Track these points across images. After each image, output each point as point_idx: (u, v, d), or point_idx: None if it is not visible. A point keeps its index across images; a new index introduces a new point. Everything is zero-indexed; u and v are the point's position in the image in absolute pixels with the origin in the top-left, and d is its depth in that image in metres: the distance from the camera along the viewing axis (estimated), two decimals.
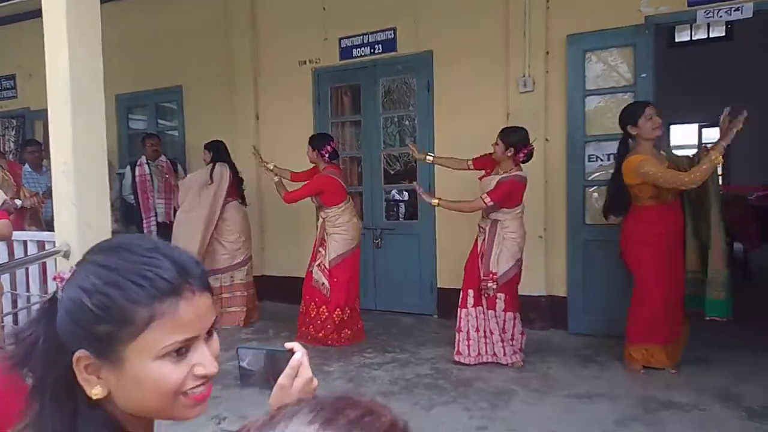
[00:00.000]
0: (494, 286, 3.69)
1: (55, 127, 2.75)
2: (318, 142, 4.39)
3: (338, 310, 4.28)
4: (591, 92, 4.38)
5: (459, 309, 3.83)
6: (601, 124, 4.42)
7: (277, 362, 0.88)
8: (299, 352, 0.87)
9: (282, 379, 0.85)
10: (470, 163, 4.04)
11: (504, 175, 3.70)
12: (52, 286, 2.46)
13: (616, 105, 4.44)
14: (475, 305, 3.78)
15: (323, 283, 4.32)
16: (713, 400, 3.12)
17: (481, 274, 3.73)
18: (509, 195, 3.68)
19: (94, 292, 0.69)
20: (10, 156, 6.59)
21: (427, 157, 4.23)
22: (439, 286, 4.94)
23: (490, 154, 3.85)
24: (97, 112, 2.80)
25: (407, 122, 5.48)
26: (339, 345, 4.25)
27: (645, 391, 3.28)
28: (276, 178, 4.47)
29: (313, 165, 4.49)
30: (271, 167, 4.61)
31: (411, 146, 4.30)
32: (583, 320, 4.36)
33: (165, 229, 5.43)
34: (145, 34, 6.01)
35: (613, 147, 4.30)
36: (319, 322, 4.30)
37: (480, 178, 3.92)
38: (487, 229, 3.78)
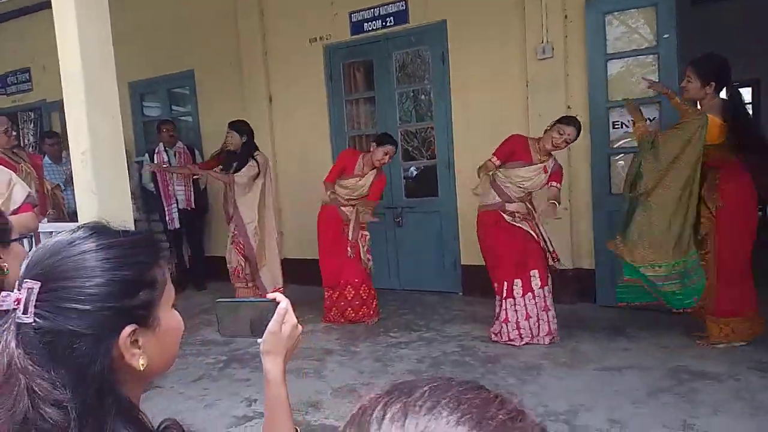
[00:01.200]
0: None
1: (72, 118, 2.74)
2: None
3: (364, 285, 4.35)
4: (612, 56, 4.24)
5: (503, 300, 3.68)
6: (624, 88, 4.27)
7: (260, 312, 0.94)
8: (284, 300, 0.95)
9: (272, 326, 0.93)
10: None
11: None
12: None
13: (639, 68, 4.31)
14: (524, 294, 3.66)
15: (369, 259, 4.36)
16: (749, 371, 3.04)
17: (549, 256, 3.69)
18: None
19: (123, 267, 0.72)
20: (30, 149, 6.64)
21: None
22: (462, 263, 4.89)
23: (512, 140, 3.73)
24: (111, 100, 2.79)
25: (423, 96, 5.35)
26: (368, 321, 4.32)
27: (676, 362, 3.22)
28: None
29: None
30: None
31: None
32: (611, 292, 4.26)
33: (186, 216, 5.46)
34: (154, 20, 5.96)
35: None
36: (357, 303, 4.32)
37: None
38: (529, 209, 3.73)
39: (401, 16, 4.89)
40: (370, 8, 5.00)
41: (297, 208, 5.49)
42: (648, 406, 2.75)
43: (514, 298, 3.66)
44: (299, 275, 5.23)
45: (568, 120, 3.59)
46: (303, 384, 3.21)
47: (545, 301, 3.67)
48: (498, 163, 3.65)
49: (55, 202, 4.39)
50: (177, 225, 5.43)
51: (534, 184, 3.69)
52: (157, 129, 5.52)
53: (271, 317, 0.94)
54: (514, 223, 3.68)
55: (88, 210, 2.70)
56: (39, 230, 3.20)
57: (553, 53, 4.28)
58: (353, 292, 4.31)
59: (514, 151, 3.66)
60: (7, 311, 0.68)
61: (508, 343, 3.65)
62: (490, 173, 3.70)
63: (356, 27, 5.10)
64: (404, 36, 4.97)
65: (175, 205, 5.42)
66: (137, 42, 5.70)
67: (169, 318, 0.79)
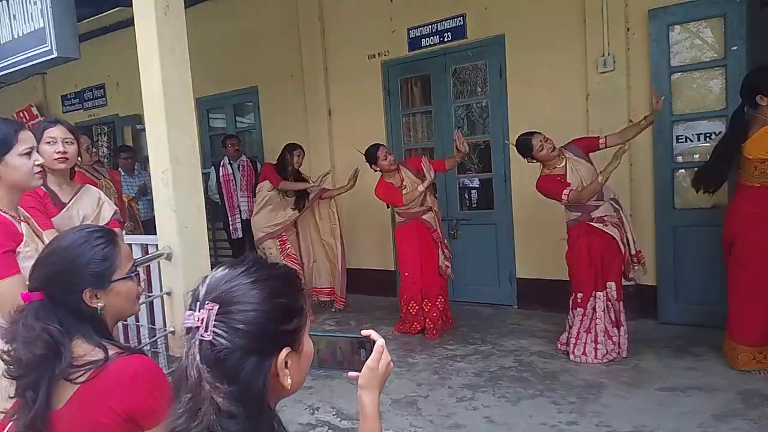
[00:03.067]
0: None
1: (152, 138, 2.93)
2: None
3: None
4: (677, 68, 4.14)
5: (580, 315, 3.64)
6: (689, 101, 4.17)
7: (351, 346, 1.01)
8: (381, 338, 1.02)
9: (371, 362, 1.01)
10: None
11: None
12: (156, 287, 2.63)
13: (705, 81, 4.20)
14: (605, 309, 3.60)
15: (448, 266, 4.45)
16: None
17: (630, 259, 3.63)
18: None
19: (281, 296, 0.84)
20: (106, 160, 7.06)
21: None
22: (518, 276, 4.88)
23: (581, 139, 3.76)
24: (189, 121, 2.96)
25: (479, 109, 5.37)
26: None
27: (746, 385, 3.11)
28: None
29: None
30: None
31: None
32: (674, 309, 4.17)
33: (248, 225, 5.69)
34: (220, 38, 6.25)
35: (705, 126, 4.10)
36: (435, 313, 4.38)
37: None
38: (619, 211, 3.65)
39: (459, 32, 4.94)
40: (428, 24, 5.09)
41: (356, 219, 5.62)
42: (716, 431, 2.68)
43: (596, 311, 3.61)
44: (359, 284, 5.35)
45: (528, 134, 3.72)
46: None
47: (619, 316, 3.62)
48: (566, 200, 3.59)
49: (131, 214, 4.67)
50: (240, 234, 5.66)
51: (584, 174, 3.61)
52: (223, 143, 5.78)
53: (363, 352, 1.01)
54: (606, 230, 3.59)
55: (167, 225, 2.88)
56: None
57: (614, 66, 4.23)
58: (429, 304, 4.37)
59: (551, 190, 3.66)
60: (190, 329, 0.80)
61: (580, 357, 3.61)
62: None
63: (414, 43, 5.19)
64: (462, 50, 5.02)
65: (239, 215, 5.66)
66: (205, 61, 5.98)
67: (307, 344, 0.89)
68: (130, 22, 2.90)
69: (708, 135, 4.07)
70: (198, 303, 0.81)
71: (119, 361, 1.18)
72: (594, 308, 3.60)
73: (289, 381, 0.83)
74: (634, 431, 2.73)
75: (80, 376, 1.13)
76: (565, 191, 3.53)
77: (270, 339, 0.81)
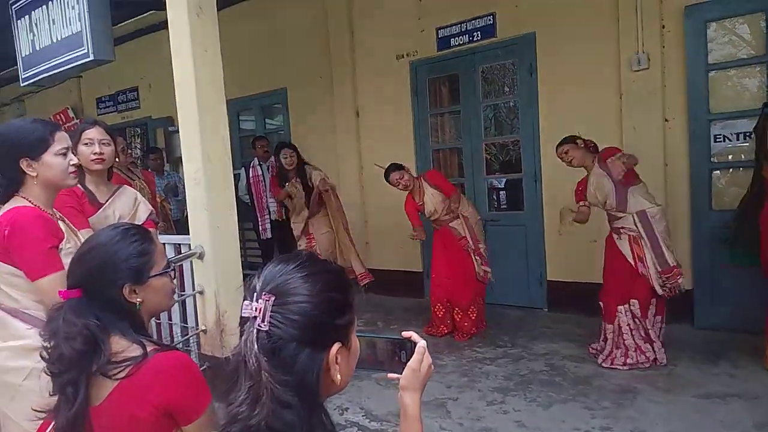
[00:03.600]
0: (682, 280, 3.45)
1: (185, 137, 2.98)
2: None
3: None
4: (714, 66, 4.03)
5: (611, 331, 3.58)
6: (727, 100, 4.05)
7: (392, 347, 1.02)
8: (422, 340, 1.03)
9: (413, 363, 1.01)
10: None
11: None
12: (188, 286, 2.66)
13: (744, 77, 4.08)
14: (632, 326, 3.52)
15: (486, 271, 4.38)
16: None
17: (660, 274, 3.41)
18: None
19: (334, 290, 0.86)
20: (139, 161, 7.21)
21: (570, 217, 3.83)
22: (548, 278, 4.80)
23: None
24: (220, 123, 3.01)
25: (508, 109, 5.32)
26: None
27: None
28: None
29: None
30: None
31: (568, 214, 3.77)
32: (711, 314, 4.05)
33: (277, 226, 5.75)
34: (250, 40, 6.32)
35: (743, 125, 3.98)
36: (467, 323, 4.33)
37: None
38: (639, 225, 3.46)
39: (489, 30, 4.90)
40: (457, 23, 5.05)
41: (382, 219, 5.61)
42: None
43: (621, 324, 3.53)
44: (384, 285, 5.34)
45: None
46: (391, 395, 3.28)
47: (647, 333, 3.52)
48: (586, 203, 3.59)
49: (164, 215, 4.75)
50: (269, 235, 5.72)
51: (601, 191, 3.55)
52: (252, 145, 5.84)
53: (404, 354, 1.01)
54: (617, 243, 3.55)
55: (200, 225, 2.92)
56: None
57: (648, 64, 4.13)
58: (461, 313, 4.33)
59: (575, 192, 3.75)
60: (247, 319, 0.81)
61: (611, 367, 3.53)
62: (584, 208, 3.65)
63: (443, 42, 5.16)
64: (491, 49, 4.98)
65: (268, 216, 5.71)
66: (234, 63, 6.02)
67: (355, 341, 0.91)
68: (162, 26, 2.97)
69: (747, 134, 3.94)
70: (255, 294, 0.82)
71: (157, 357, 1.19)
72: (619, 324, 3.53)
73: (339, 377, 0.84)
74: None
75: (120, 372, 1.15)
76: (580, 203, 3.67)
77: (323, 332, 0.83)
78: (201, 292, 2.97)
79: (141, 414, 1.15)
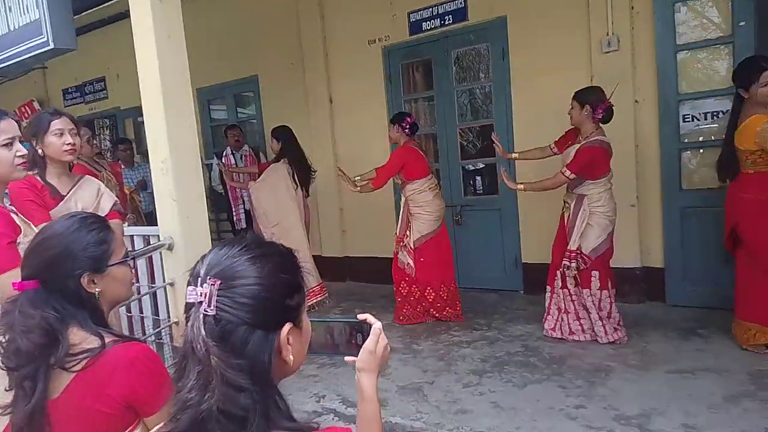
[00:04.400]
0: (575, 266, 3.57)
1: (151, 129, 2.90)
2: (398, 117, 4.42)
3: (429, 288, 4.32)
4: (682, 47, 4.07)
5: (547, 287, 3.79)
6: (696, 80, 4.10)
7: (348, 330, 1.02)
8: (377, 322, 1.03)
9: (369, 345, 1.01)
10: (553, 146, 3.91)
11: (583, 143, 3.55)
12: (158, 278, 2.61)
13: (712, 59, 4.12)
14: (562, 287, 3.68)
15: (408, 263, 4.34)
16: None
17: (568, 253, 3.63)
18: (590, 164, 3.50)
19: (283, 271, 0.84)
20: (109, 154, 7.06)
21: (513, 155, 4.24)
22: (524, 261, 4.84)
23: (571, 129, 3.71)
24: (187, 110, 2.92)
25: (482, 93, 5.31)
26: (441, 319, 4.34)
27: (756, 366, 3.08)
28: (357, 189, 4.45)
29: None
30: (358, 180, 4.55)
31: (495, 139, 4.18)
32: (682, 291, 4.13)
33: (251, 216, 5.67)
34: (220, 28, 6.20)
35: (711, 105, 4.04)
36: (412, 299, 4.35)
37: (561, 151, 3.79)
38: (572, 205, 3.65)
39: (460, 14, 4.87)
40: (428, 7, 5.01)
41: (357, 207, 5.58)
42: (726, 412, 2.66)
43: (555, 289, 3.74)
44: (362, 272, 5.33)
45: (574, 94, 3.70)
46: None
47: (584, 303, 3.62)
48: (573, 177, 3.58)
49: (133, 206, 4.66)
50: (244, 225, 5.66)
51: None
52: (225, 134, 5.75)
53: (360, 336, 1.01)
54: (563, 210, 3.77)
55: (168, 215, 2.85)
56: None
57: (619, 46, 4.15)
58: (433, 293, 4.33)
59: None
60: (193, 304, 0.79)
61: (548, 335, 3.75)
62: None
63: (415, 27, 5.12)
64: (463, 34, 4.95)
65: (242, 205, 5.65)
66: (204, 50, 5.93)
67: (306, 321, 0.91)
68: (128, 14, 2.87)
69: (715, 113, 4.00)
70: (199, 279, 0.80)
71: (116, 348, 1.17)
72: (554, 287, 3.75)
73: (291, 357, 0.84)
74: (642, 414, 2.70)
75: (76, 364, 1.12)
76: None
77: (273, 313, 0.82)
78: (171, 284, 2.91)
79: (100, 406, 1.13)
